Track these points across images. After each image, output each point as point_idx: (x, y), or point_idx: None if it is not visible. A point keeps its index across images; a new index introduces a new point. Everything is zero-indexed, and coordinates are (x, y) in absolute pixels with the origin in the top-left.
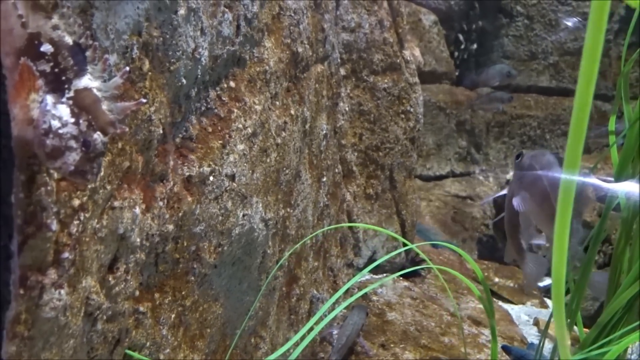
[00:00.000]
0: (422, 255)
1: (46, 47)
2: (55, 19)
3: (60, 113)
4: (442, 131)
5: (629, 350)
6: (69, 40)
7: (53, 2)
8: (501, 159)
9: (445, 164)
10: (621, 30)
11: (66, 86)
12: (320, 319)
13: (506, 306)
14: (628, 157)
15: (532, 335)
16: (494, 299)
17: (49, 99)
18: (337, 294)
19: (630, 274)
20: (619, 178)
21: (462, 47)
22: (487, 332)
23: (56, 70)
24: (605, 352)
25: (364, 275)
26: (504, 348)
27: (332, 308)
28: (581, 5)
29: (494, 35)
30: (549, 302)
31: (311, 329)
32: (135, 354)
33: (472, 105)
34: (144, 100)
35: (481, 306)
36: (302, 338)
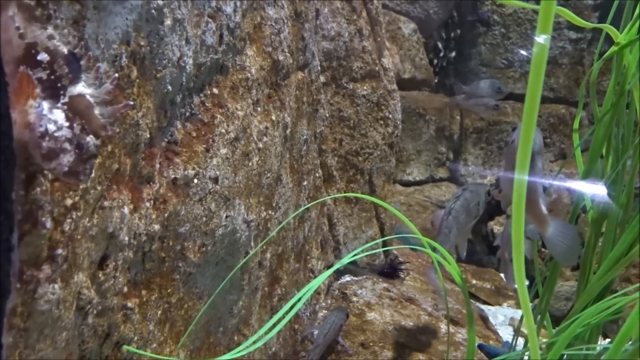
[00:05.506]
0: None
1: (43, 56)
2: (50, 30)
3: (55, 117)
4: (421, 137)
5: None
6: (64, 49)
7: (47, 14)
8: (479, 164)
9: (425, 170)
10: (594, 39)
11: (61, 92)
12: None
13: (483, 307)
14: (594, 157)
15: (507, 334)
16: (472, 301)
17: (45, 104)
18: (314, 283)
19: (600, 270)
20: (585, 178)
21: (441, 54)
22: (463, 331)
23: (52, 77)
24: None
25: (344, 276)
26: (480, 347)
27: (311, 307)
28: (556, 15)
29: (472, 44)
30: None
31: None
32: (130, 348)
33: (457, 103)
34: (131, 103)
35: (458, 306)
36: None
